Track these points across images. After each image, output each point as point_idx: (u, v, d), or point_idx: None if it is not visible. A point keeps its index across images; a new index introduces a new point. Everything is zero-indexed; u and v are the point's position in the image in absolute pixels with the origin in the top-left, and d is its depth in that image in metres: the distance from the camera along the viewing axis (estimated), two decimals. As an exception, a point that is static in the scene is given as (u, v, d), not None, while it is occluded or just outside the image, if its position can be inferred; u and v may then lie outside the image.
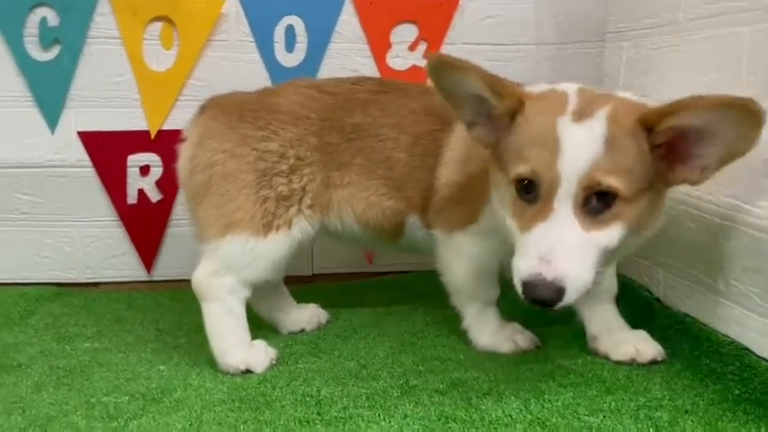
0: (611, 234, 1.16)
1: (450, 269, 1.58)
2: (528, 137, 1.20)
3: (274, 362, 1.53)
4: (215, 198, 1.54)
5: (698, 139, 1.14)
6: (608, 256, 1.20)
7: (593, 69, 1.96)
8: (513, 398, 1.30)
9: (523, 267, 1.14)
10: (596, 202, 1.15)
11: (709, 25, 1.38)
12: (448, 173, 1.53)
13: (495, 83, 1.23)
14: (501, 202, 1.30)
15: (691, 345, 1.42)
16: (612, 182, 1.13)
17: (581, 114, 1.17)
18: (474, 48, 2.18)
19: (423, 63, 2.16)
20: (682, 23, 1.47)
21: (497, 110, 1.24)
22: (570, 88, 1.27)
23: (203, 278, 1.51)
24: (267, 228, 1.51)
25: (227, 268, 1.51)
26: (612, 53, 1.75)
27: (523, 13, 2.17)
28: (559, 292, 1.10)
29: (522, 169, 1.18)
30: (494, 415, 1.25)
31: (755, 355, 1.25)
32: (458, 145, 1.53)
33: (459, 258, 1.56)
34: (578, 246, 1.13)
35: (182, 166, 1.61)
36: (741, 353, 1.27)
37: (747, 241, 1.25)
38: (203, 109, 1.64)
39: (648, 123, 1.15)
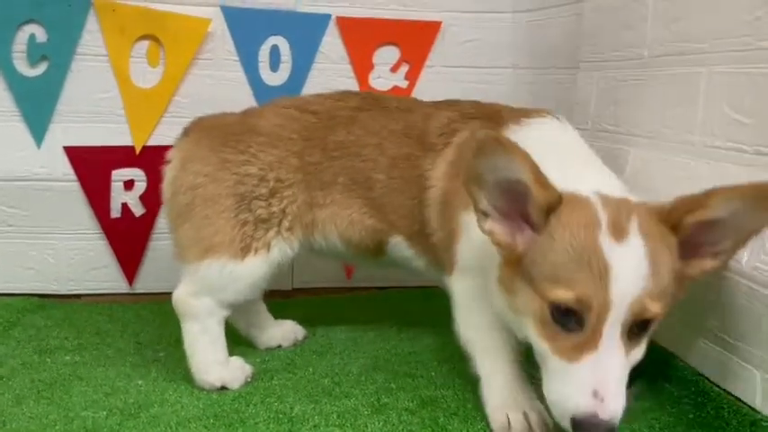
0: (641, 351, 1.13)
1: (456, 324, 1.47)
2: (569, 255, 1.08)
3: (250, 379, 1.57)
4: (196, 221, 1.56)
5: (715, 230, 1.10)
6: None
7: (566, 95, 2.02)
8: (479, 419, 1.35)
9: (574, 404, 1.06)
10: (637, 328, 1.09)
11: (671, 63, 1.44)
12: (434, 214, 1.50)
13: (540, 172, 1.10)
14: (520, 309, 1.18)
15: (652, 368, 1.47)
16: (657, 308, 1.07)
17: (618, 230, 1.08)
18: (454, 70, 2.24)
19: (404, 84, 2.22)
20: (647, 59, 1.53)
21: (536, 203, 1.11)
22: (586, 189, 1.17)
23: (183, 298, 1.55)
24: (245, 251, 1.53)
25: (205, 290, 1.54)
26: (585, 82, 1.81)
27: (502, 38, 2.24)
28: (612, 430, 1.05)
29: (564, 295, 1.07)
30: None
31: (709, 381, 1.30)
32: (440, 183, 1.49)
33: (456, 309, 1.47)
34: (624, 375, 1.09)
35: (165, 187, 1.63)
36: (697, 378, 1.33)
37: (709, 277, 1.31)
38: (187, 131, 1.66)
39: (673, 222, 1.10)
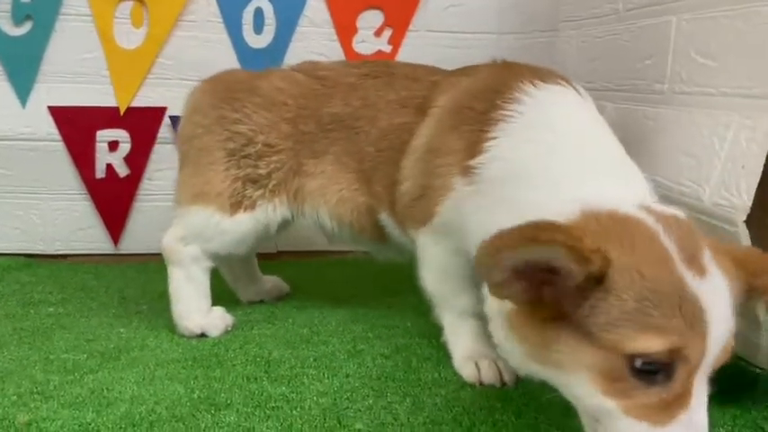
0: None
1: (420, 274, 1.43)
2: (650, 298, 0.88)
3: (230, 328, 1.60)
4: (190, 168, 1.61)
5: None
6: None
7: (545, 58, 2.04)
8: (451, 364, 1.38)
9: None
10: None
11: (643, 15, 1.47)
12: (412, 162, 1.41)
13: (579, 246, 0.87)
14: (562, 362, 0.95)
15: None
16: (734, 350, 0.94)
17: (694, 262, 0.90)
18: (437, 35, 2.26)
19: (388, 48, 2.24)
20: (621, 13, 1.55)
21: (576, 279, 0.90)
22: (628, 202, 0.97)
23: (171, 242, 1.58)
24: (235, 207, 1.56)
25: (193, 237, 1.57)
26: (563, 42, 1.83)
27: (486, 3, 2.25)
28: None
29: (653, 346, 0.87)
30: (430, 377, 1.33)
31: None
32: (425, 132, 1.40)
33: (422, 261, 1.42)
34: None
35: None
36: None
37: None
38: (202, 81, 1.68)
39: (750, 270, 0.95)
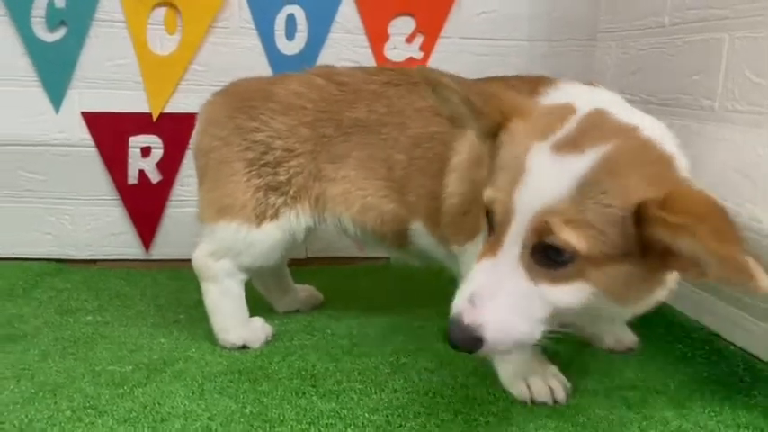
0: (569, 293, 0.99)
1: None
2: (500, 160, 1.05)
3: (270, 338, 1.60)
4: (210, 183, 1.60)
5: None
6: (574, 315, 1.04)
7: (583, 67, 2.04)
8: (496, 377, 1.38)
9: (454, 301, 1.00)
10: (551, 255, 0.97)
11: (692, 30, 1.46)
12: (454, 180, 1.40)
13: (477, 101, 1.08)
14: None
15: (664, 330, 1.51)
16: (569, 237, 0.94)
17: (568, 144, 0.97)
18: (469, 42, 2.25)
19: (419, 55, 2.23)
20: (667, 27, 1.54)
21: (479, 129, 1.12)
22: (586, 105, 1.06)
23: (201, 259, 1.58)
24: (260, 217, 1.55)
25: (223, 252, 1.56)
26: (602, 52, 1.82)
27: (518, 10, 2.24)
28: (475, 341, 0.97)
29: (486, 194, 1.04)
30: (479, 393, 1.33)
31: (724, 339, 1.34)
32: (465, 149, 1.40)
33: (466, 275, 1.39)
34: (517, 295, 0.98)
35: (191, 147, 1.67)
36: (711, 338, 1.36)
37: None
38: (215, 94, 1.67)
39: (644, 218, 0.92)
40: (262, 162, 1.55)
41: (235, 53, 2.13)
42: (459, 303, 0.99)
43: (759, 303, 1.23)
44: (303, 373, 1.43)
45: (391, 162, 1.51)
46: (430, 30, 2.23)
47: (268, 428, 1.18)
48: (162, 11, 2.08)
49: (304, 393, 1.33)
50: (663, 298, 1.08)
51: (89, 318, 1.73)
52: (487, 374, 1.40)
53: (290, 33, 2.17)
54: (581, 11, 2.14)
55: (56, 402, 1.25)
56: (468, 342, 0.98)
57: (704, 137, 1.39)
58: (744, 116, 1.29)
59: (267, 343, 1.59)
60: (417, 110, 1.50)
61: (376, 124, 1.52)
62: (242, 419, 1.21)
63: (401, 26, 2.22)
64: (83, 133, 2.10)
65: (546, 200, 0.95)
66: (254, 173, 1.55)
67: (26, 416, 1.20)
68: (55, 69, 2.06)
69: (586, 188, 0.93)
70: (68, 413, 1.21)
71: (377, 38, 2.21)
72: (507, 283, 0.98)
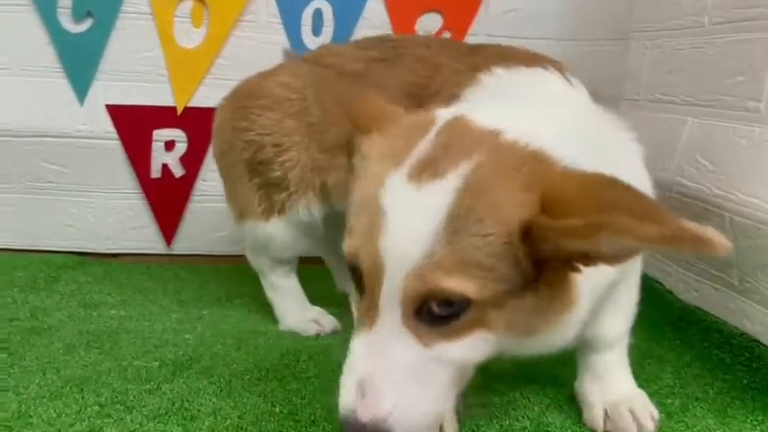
0: (471, 346, 0.83)
1: None
2: (354, 195, 0.87)
3: (327, 330, 1.63)
4: (228, 186, 1.66)
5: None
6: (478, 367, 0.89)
7: (613, 67, 2.01)
8: (528, 382, 1.35)
9: (340, 397, 0.85)
10: (437, 311, 0.80)
11: (736, 29, 1.42)
12: None
13: (332, 108, 0.94)
14: None
15: (701, 336, 1.48)
16: (455, 285, 0.78)
17: (425, 169, 0.80)
18: (496, 40, 2.21)
19: (446, 53, 2.20)
20: (707, 27, 1.51)
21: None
22: (444, 114, 0.90)
23: (248, 256, 1.68)
24: (267, 213, 1.56)
25: (255, 249, 1.63)
26: (637, 52, 1.79)
27: (546, 8, 2.21)
28: None
29: (345, 245, 0.85)
30: (512, 396, 1.30)
31: (765, 346, 1.30)
32: None
33: None
34: (412, 367, 0.81)
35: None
36: (751, 344, 1.33)
37: (765, 240, 1.30)
38: (224, 96, 1.66)
39: (535, 233, 0.77)
40: (257, 161, 1.54)
41: (260, 48, 2.11)
42: (348, 399, 0.82)
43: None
44: (330, 372, 1.40)
45: None
46: (457, 27, 2.20)
47: (300, 429, 1.16)
48: (188, 4, 2.06)
49: (333, 393, 1.30)
50: (583, 320, 0.92)
51: (112, 312, 1.72)
52: (518, 376, 1.37)
53: (317, 29, 2.14)
54: (612, 10, 2.10)
55: (83, 397, 1.23)
56: None
57: (749, 139, 1.35)
58: (791, 118, 1.26)
59: (335, 333, 1.63)
60: (388, 87, 1.37)
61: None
62: (272, 419, 1.19)
63: (429, 23, 2.19)
64: (107, 126, 2.08)
65: (415, 249, 0.77)
66: (252, 172, 1.55)
67: (54, 410, 1.18)
68: (80, 61, 2.04)
69: (457, 221, 0.77)
70: (96, 408, 1.19)
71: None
72: (396, 358, 0.81)
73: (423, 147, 0.83)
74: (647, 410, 1.15)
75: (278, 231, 1.57)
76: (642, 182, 1.02)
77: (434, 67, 1.34)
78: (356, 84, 1.39)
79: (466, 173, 0.78)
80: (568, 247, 0.76)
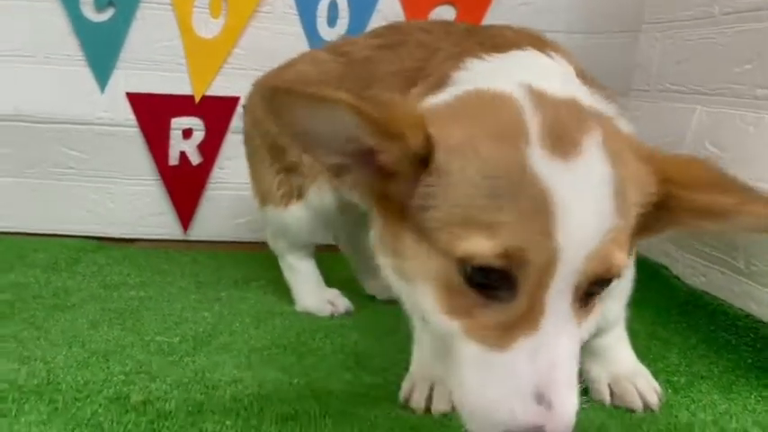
0: (593, 322, 0.81)
1: None
2: (481, 186, 0.72)
3: (341, 311, 1.68)
4: (252, 170, 1.73)
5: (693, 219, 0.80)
6: None
7: (623, 58, 2.04)
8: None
9: (508, 412, 0.71)
10: (594, 289, 0.76)
11: (743, 19, 1.46)
12: None
13: (369, 111, 0.74)
14: (409, 274, 0.82)
15: (707, 319, 1.51)
16: (623, 257, 0.74)
17: (560, 141, 0.73)
18: (509, 33, 2.26)
19: (458, 45, 2.24)
20: (717, 17, 1.55)
21: (389, 157, 0.78)
22: (509, 86, 0.82)
23: (268, 239, 1.74)
24: (286, 198, 1.62)
25: (275, 233, 1.70)
26: (647, 44, 1.82)
27: (557, 2, 2.25)
28: None
29: (481, 247, 0.71)
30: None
31: (770, 327, 1.34)
32: None
33: None
34: (576, 363, 0.75)
35: None
36: (756, 325, 1.36)
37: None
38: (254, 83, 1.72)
39: (661, 174, 0.78)
40: (276, 145, 1.59)
41: (277, 38, 2.16)
42: (530, 410, 0.70)
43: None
44: (346, 350, 1.44)
45: None
46: (471, 19, 2.23)
47: (318, 397, 1.20)
48: (208, -6, 2.11)
49: (349, 368, 1.35)
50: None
51: (132, 293, 1.76)
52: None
53: (332, 20, 2.19)
54: (622, 2, 2.14)
55: (108, 367, 1.28)
56: None
57: (757, 126, 1.39)
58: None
59: (348, 314, 1.68)
60: (389, 74, 1.37)
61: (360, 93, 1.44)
62: (291, 389, 1.23)
63: (442, 15, 2.23)
64: (127, 113, 2.13)
65: (599, 228, 0.71)
66: (273, 156, 1.61)
67: (81, 378, 1.22)
68: (101, 50, 2.10)
69: (621, 192, 0.73)
70: (122, 377, 1.24)
71: (417, 26, 2.22)
72: (569, 359, 0.74)
73: (537, 121, 0.74)
74: (650, 385, 1.18)
75: (296, 217, 1.62)
76: None
77: (432, 51, 1.31)
78: (365, 69, 1.43)
79: (600, 142, 0.74)
80: (693, 222, 0.76)
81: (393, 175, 0.79)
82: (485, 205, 0.71)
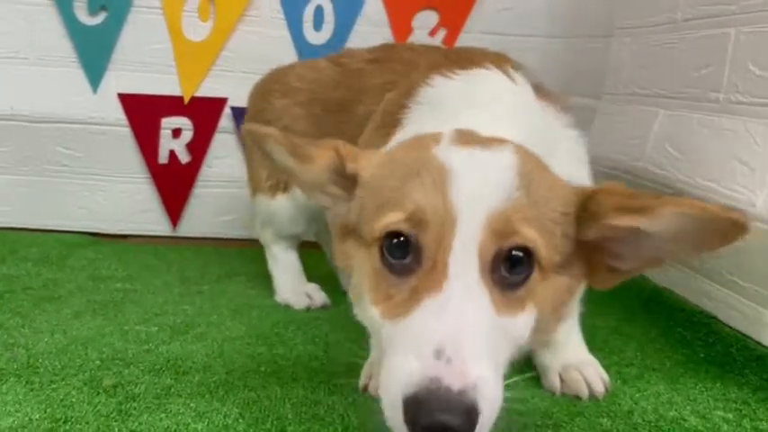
0: (524, 322, 0.81)
1: None
2: (394, 178, 0.83)
3: (317, 304, 1.74)
4: (247, 161, 1.86)
5: (632, 241, 0.83)
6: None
7: (598, 62, 2.09)
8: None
9: (405, 373, 0.69)
10: (509, 269, 0.78)
11: (702, 26, 1.51)
12: None
13: (296, 145, 0.94)
14: (356, 285, 0.91)
15: (667, 315, 1.56)
16: (533, 234, 0.78)
17: (471, 141, 0.86)
18: (489, 37, 2.31)
19: (441, 49, 2.30)
20: (679, 23, 1.60)
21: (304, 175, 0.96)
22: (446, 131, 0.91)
23: (256, 228, 1.83)
24: (273, 189, 1.71)
25: (262, 222, 1.79)
26: (618, 48, 1.88)
27: (538, 7, 2.30)
28: (471, 414, 0.67)
29: (391, 218, 0.79)
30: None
31: (721, 322, 1.39)
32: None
33: None
34: (488, 333, 0.73)
35: None
36: (709, 321, 1.41)
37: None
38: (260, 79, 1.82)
39: (592, 206, 0.83)
40: None
41: (264, 41, 2.23)
42: (429, 366, 0.68)
43: (754, 287, 1.28)
44: (316, 341, 1.51)
45: (353, 140, 1.53)
46: (453, 24, 2.30)
47: (282, 384, 1.26)
48: (196, -1, 2.18)
49: (317, 358, 1.41)
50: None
51: (118, 285, 1.83)
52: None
53: (318, 24, 2.26)
54: (597, 8, 2.19)
55: (86, 353, 1.35)
56: (461, 417, 0.66)
57: (710, 128, 1.44)
58: (746, 107, 1.34)
59: (325, 308, 1.74)
60: (373, 86, 1.49)
61: (350, 103, 1.55)
62: (257, 376, 1.30)
63: (425, 20, 2.29)
64: (118, 113, 2.21)
65: (497, 193, 0.78)
66: None
67: (59, 363, 1.29)
68: (94, 52, 2.17)
69: (528, 179, 0.80)
70: (98, 362, 1.31)
71: (401, 31, 2.29)
72: (474, 319, 0.73)
73: (452, 135, 0.88)
74: (598, 374, 1.24)
75: (282, 206, 1.71)
76: (583, 175, 1.11)
77: (411, 67, 1.43)
78: (356, 81, 1.55)
79: (515, 149, 0.84)
80: (620, 224, 0.80)
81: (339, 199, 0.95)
82: (395, 188, 0.82)
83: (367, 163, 0.90)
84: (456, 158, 0.81)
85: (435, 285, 0.74)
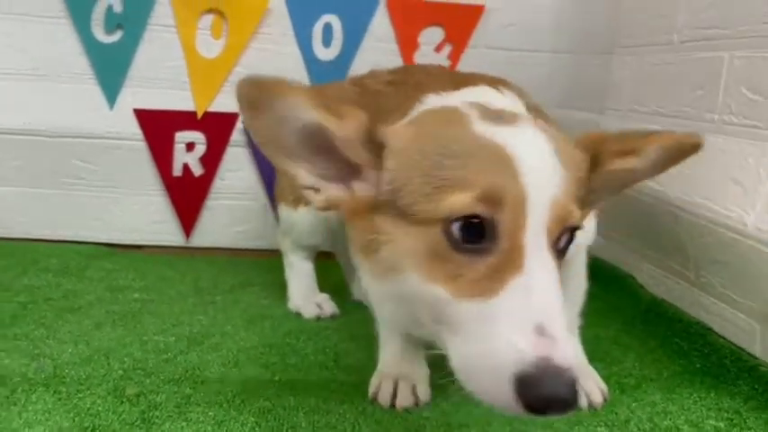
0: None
1: None
2: (446, 153, 0.82)
3: (326, 314, 1.80)
4: (277, 173, 1.93)
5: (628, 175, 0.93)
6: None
7: (600, 79, 2.15)
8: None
9: (515, 353, 0.71)
10: (563, 244, 0.83)
11: (698, 48, 1.57)
12: None
13: (326, 103, 0.88)
14: (392, 263, 0.87)
15: (665, 326, 1.62)
16: (578, 211, 0.83)
17: (499, 117, 0.88)
18: (495, 52, 2.38)
19: (447, 64, 2.37)
20: (677, 44, 1.66)
21: (343, 141, 0.90)
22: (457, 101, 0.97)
23: (278, 236, 1.90)
24: (296, 202, 1.77)
25: (284, 231, 1.86)
26: (619, 66, 1.94)
27: (542, 23, 2.37)
28: (576, 388, 0.71)
29: (463, 199, 0.78)
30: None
31: (717, 334, 1.44)
32: None
33: None
34: (562, 301, 0.78)
35: None
36: (705, 332, 1.47)
37: (716, 238, 1.44)
38: None
39: (592, 152, 0.90)
40: None
41: (275, 58, 2.29)
42: (535, 343, 0.71)
43: (747, 301, 1.34)
44: (326, 350, 1.57)
45: None
46: (458, 40, 2.36)
47: (295, 394, 1.33)
48: (210, 17, 2.25)
49: (327, 367, 1.47)
50: None
51: (136, 295, 1.90)
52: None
53: (327, 41, 2.32)
54: (600, 26, 2.26)
55: (109, 363, 1.42)
56: (571, 391, 0.70)
57: (705, 148, 1.49)
58: (739, 129, 1.40)
59: (334, 318, 1.80)
60: (387, 108, 1.44)
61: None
62: (272, 386, 1.36)
63: (431, 36, 2.36)
64: (133, 128, 2.28)
65: (554, 179, 0.81)
66: None
67: (84, 373, 1.36)
68: (111, 69, 2.24)
69: (564, 159, 0.83)
70: (120, 372, 1.38)
71: (407, 46, 2.35)
72: (557, 295, 0.76)
73: (475, 113, 0.88)
74: (597, 385, 1.31)
75: (302, 218, 1.78)
76: None
77: (421, 90, 1.43)
78: (372, 103, 1.55)
79: (531, 123, 0.88)
80: (618, 168, 0.88)
81: (358, 171, 0.90)
82: (450, 166, 0.80)
83: (396, 134, 0.88)
84: (505, 137, 0.82)
85: (517, 265, 0.76)
